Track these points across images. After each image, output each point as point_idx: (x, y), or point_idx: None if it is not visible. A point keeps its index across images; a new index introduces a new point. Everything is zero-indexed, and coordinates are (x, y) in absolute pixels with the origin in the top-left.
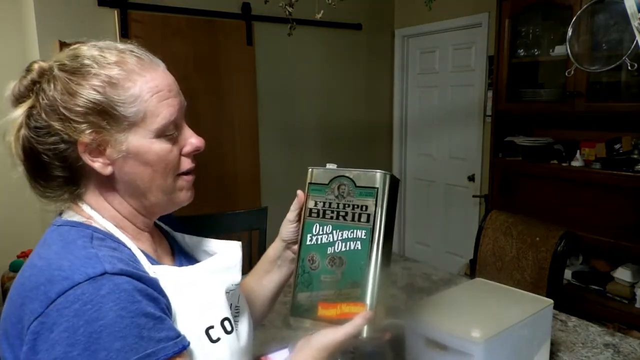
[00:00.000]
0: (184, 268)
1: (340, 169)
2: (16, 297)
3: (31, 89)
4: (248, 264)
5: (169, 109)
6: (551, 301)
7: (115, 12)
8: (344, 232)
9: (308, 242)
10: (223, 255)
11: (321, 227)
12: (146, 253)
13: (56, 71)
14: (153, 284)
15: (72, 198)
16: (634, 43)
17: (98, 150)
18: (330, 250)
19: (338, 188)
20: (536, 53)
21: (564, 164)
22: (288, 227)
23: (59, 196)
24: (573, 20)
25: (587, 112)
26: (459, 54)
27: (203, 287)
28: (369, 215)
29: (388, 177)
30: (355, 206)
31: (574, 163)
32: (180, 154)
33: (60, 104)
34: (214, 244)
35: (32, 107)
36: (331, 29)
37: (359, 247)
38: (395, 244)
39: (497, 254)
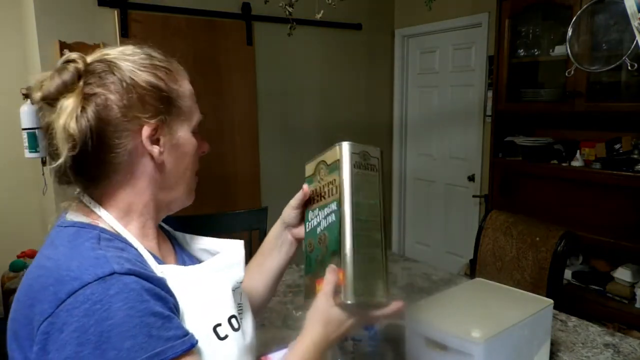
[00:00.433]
0: (189, 267)
1: (318, 155)
2: (24, 299)
3: (79, 77)
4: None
5: (198, 110)
6: (551, 301)
7: (115, 12)
8: (325, 209)
9: (307, 230)
10: (226, 253)
11: (313, 213)
12: (152, 253)
13: (117, 61)
14: (160, 284)
15: (90, 191)
16: (634, 43)
17: (155, 137)
18: (318, 230)
19: (319, 173)
20: (536, 53)
21: (564, 164)
22: (289, 212)
23: (89, 185)
24: (573, 20)
25: (587, 112)
26: (459, 54)
27: (209, 285)
28: (336, 187)
29: (346, 145)
30: (329, 183)
31: (574, 163)
32: (198, 154)
33: (131, 88)
34: (215, 243)
35: (89, 93)
36: (331, 29)
37: (333, 219)
38: (395, 244)
39: (497, 254)
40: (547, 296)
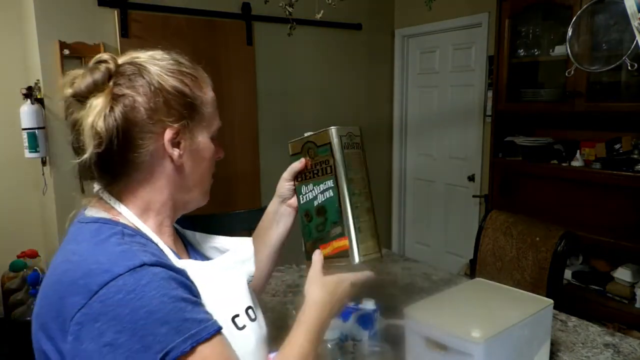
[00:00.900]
0: (205, 262)
1: (305, 135)
2: (52, 293)
3: (108, 78)
4: None
5: (218, 117)
6: (551, 301)
7: (115, 12)
8: (320, 185)
9: (301, 202)
10: (237, 250)
11: (306, 187)
12: (170, 248)
13: (147, 65)
14: (184, 274)
15: (111, 188)
16: (634, 43)
17: (176, 140)
18: (315, 203)
19: (308, 152)
20: (536, 53)
21: (564, 164)
22: (283, 185)
23: (111, 182)
24: (573, 20)
25: (587, 112)
26: (459, 54)
27: (226, 278)
28: (331, 167)
29: (335, 130)
30: (322, 162)
31: (574, 163)
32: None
33: (158, 92)
34: (224, 241)
35: (117, 94)
36: (331, 29)
37: (331, 194)
38: (395, 244)
39: (497, 254)
40: (547, 296)
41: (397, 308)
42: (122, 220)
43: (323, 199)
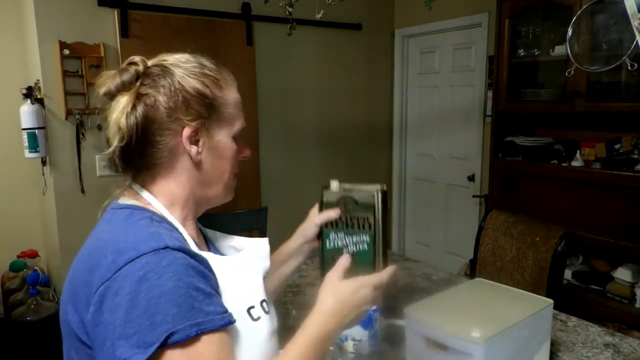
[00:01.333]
0: (224, 256)
1: (344, 190)
2: (84, 265)
3: (137, 78)
4: None
5: (242, 118)
6: (551, 301)
7: (115, 12)
8: (353, 237)
9: (328, 247)
10: (253, 248)
11: (336, 234)
12: (193, 240)
13: (173, 67)
14: (204, 263)
15: (139, 180)
16: (634, 43)
17: (195, 138)
18: (345, 251)
19: (344, 205)
20: (536, 53)
21: (564, 164)
22: (312, 228)
23: (137, 175)
24: (573, 20)
25: (587, 112)
26: (459, 54)
27: (243, 272)
28: (370, 224)
29: (380, 193)
30: (360, 218)
31: (574, 163)
32: (238, 158)
33: (178, 92)
34: (241, 241)
35: (142, 93)
36: (331, 29)
37: (366, 248)
38: (395, 244)
39: (497, 254)
40: (547, 296)
41: (397, 308)
42: (151, 209)
43: (355, 250)
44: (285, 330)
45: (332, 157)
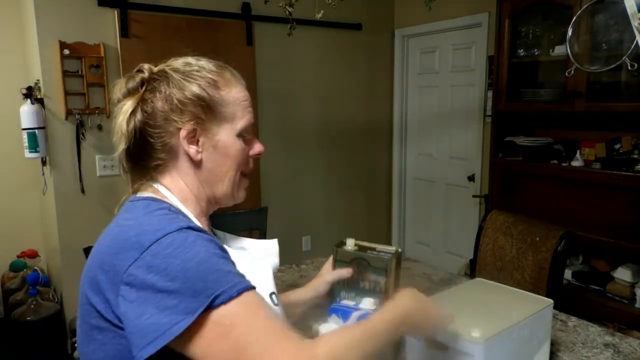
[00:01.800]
0: (235, 250)
1: (359, 248)
2: (107, 249)
3: (141, 85)
4: None
5: (249, 115)
6: (551, 301)
7: (115, 12)
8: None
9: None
10: (264, 247)
11: (347, 293)
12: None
13: (171, 72)
14: (222, 247)
15: (152, 178)
16: (634, 43)
17: (194, 138)
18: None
19: (357, 265)
20: (536, 53)
21: (564, 164)
22: (324, 286)
23: (145, 174)
24: (573, 20)
25: (587, 112)
26: (459, 54)
27: (254, 265)
28: (382, 288)
29: (394, 259)
30: (373, 281)
31: (574, 163)
32: (248, 155)
33: (174, 96)
34: (251, 243)
35: (143, 98)
36: (331, 29)
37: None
38: (395, 244)
39: (497, 254)
40: (547, 296)
41: None
42: (167, 202)
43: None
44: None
45: (332, 157)
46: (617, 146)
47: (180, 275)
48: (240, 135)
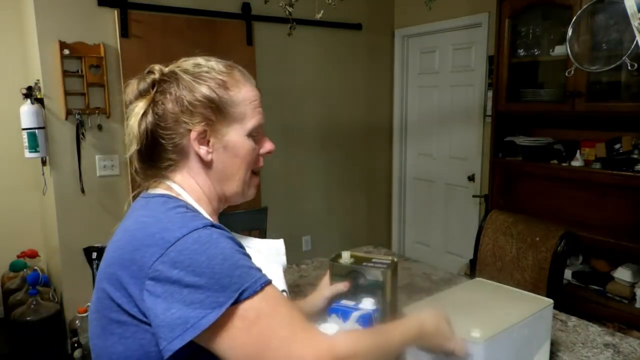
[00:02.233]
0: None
1: (354, 260)
2: (127, 246)
3: (152, 86)
4: None
5: (259, 115)
6: (551, 301)
7: (115, 12)
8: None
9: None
10: (270, 247)
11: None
12: None
13: (181, 74)
14: (239, 243)
15: (165, 177)
16: (634, 43)
17: (204, 139)
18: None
19: (354, 278)
20: (536, 53)
21: (564, 164)
22: (323, 301)
23: (157, 174)
24: (573, 20)
25: (587, 112)
26: (459, 54)
27: (265, 264)
28: (378, 300)
29: (390, 270)
30: (367, 292)
31: (574, 163)
32: (258, 153)
33: (184, 98)
34: (257, 242)
35: (154, 100)
36: (331, 29)
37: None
38: (395, 244)
39: (497, 254)
40: (547, 296)
41: (397, 308)
42: (182, 199)
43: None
44: None
45: (332, 157)
46: (617, 146)
47: (207, 271)
48: (250, 135)
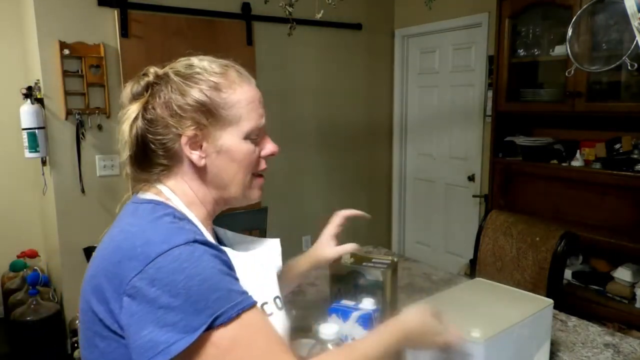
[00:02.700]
0: (239, 252)
1: (353, 263)
2: (111, 257)
3: (146, 89)
4: None
5: (257, 116)
6: (551, 301)
7: (115, 12)
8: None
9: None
10: (266, 247)
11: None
12: (210, 236)
13: (172, 76)
14: (226, 255)
15: (157, 180)
16: (634, 43)
17: (197, 144)
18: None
19: (353, 279)
20: (536, 53)
21: (564, 164)
22: (327, 263)
23: (148, 179)
24: (573, 20)
25: (587, 112)
26: (459, 54)
27: (257, 268)
28: (378, 299)
29: (389, 270)
30: (367, 292)
31: (574, 163)
32: (259, 156)
33: (173, 102)
34: (253, 241)
35: (147, 104)
36: (331, 29)
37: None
38: (395, 244)
39: (497, 254)
40: (547, 296)
41: (397, 308)
42: (172, 205)
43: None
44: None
45: (332, 157)
46: (617, 146)
47: (182, 292)
48: (248, 137)
